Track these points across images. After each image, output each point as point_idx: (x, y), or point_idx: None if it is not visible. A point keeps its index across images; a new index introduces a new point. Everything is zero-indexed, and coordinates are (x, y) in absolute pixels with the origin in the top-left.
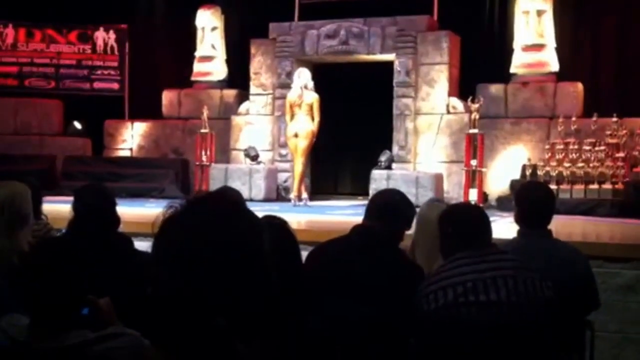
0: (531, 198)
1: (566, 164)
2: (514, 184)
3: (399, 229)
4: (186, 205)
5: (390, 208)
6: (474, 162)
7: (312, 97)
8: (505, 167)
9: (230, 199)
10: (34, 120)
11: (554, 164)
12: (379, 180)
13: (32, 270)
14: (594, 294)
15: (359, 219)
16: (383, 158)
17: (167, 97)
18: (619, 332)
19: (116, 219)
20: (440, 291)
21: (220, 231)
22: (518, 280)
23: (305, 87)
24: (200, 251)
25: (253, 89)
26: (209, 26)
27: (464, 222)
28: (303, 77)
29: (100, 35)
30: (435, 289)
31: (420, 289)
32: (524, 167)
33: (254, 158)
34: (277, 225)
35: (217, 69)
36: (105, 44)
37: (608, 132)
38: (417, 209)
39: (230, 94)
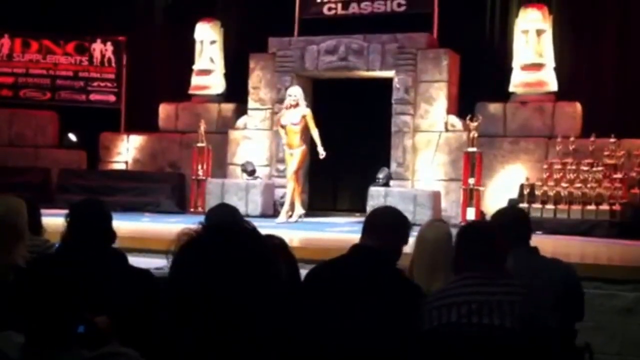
0: (503, 220)
1: (564, 184)
2: (511, 203)
3: (397, 247)
4: (204, 233)
5: (388, 226)
6: (472, 181)
7: None
8: (503, 186)
9: (247, 227)
10: (29, 132)
11: (551, 183)
12: (376, 197)
13: (27, 288)
14: (581, 305)
15: (356, 236)
16: (381, 175)
17: (164, 110)
18: (617, 354)
19: (112, 235)
20: (444, 308)
21: (237, 260)
22: (524, 308)
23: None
24: (218, 278)
25: (251, 104)
26: (208, 39)
27: (477, 241)
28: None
29: (97, 46)
30: (439, 306)
31: (426, 303)
32: (521, 187)
33: (251, 173)
34: (276, 245)
35: (215, 83)
36: (103, 56)
37: (606, 153)
38: (416, 227)
39: (228, 108)
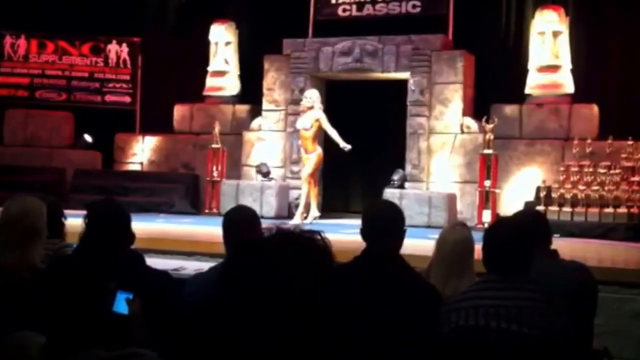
0: (523, 223)
1: (581, 187)
2: (528, 206)
3: (401, 242)
4: (267, 240)
5: (397, 226)
6: (487, 183)
7: None
8: (519, 189)
9: (308, 237)
10: (44, 132)
11: (568, 186)
12: (391, 199)
13: (46, 288)
14: (594, 302)
15: None
16: (396, 177)
17: (179, 111)
18: (635, 359)
19: (131, 236)
20: (462, 311)
21: (297, 267)
22: (543, 314)
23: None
24: (274, 284)
25: (266, 105)
26: (223, 41)
27: (499, 243)
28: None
29: (113, 48)
30: (458, 308)
31: (445, 305)
32: (538, 189)
33: (266, 174)
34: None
35: (230, 84)
36: (118, 57)
37: (623, 156)
38: (431, 230)
39: (242, 109)
